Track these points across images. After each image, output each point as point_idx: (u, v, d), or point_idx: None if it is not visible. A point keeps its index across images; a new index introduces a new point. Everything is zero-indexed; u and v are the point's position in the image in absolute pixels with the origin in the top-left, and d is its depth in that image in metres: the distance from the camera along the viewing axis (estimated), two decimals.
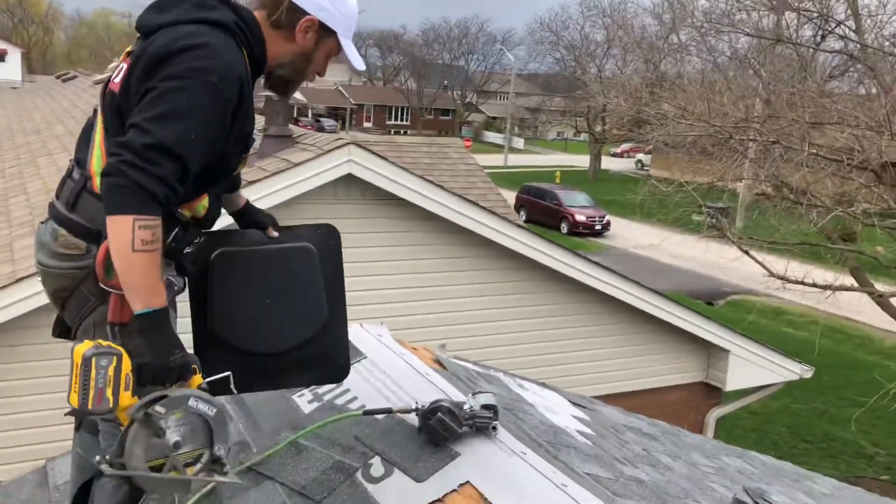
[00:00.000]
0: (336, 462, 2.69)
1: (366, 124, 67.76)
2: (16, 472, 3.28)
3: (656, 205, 14.53)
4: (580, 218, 31.45)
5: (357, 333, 3.54)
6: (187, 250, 2.08)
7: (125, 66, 2.04)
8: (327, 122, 58.03)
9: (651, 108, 15.11)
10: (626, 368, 8.27)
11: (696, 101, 13.81)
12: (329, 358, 2.72)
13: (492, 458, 2.49)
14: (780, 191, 12.89)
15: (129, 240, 1.73)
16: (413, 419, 2.75)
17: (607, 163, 52.75)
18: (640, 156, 54.20)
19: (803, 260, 13.26)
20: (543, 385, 4.14)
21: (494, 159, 48.86)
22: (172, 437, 1.76)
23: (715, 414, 8.76)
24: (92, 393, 1.65)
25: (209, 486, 2.18)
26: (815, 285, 11.34)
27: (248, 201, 2.58)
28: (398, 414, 2.79)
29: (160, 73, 1.88)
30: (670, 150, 18.72)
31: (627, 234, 30.73)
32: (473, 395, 2.73)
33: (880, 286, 12.88)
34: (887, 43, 14.04)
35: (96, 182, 1.93)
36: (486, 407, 2.63)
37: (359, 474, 2.59)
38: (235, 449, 2.70)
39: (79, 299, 2.03)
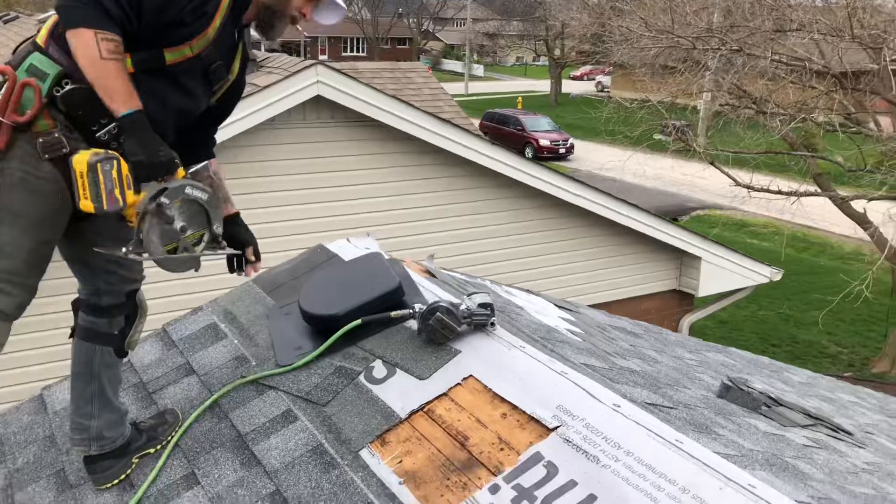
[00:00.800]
0: (337, 368, 2.73)
1: (321, 57, 66.24)
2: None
3: (621, 122, 14.56)
4: (544, 142, 31.42)
5: (343, 247, 3.54)
6: (103, 129, 2.01)
7: None
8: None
9: (614, 22, 14.96)
10: (601, 280, 8.40)
11: (659, 14, 13.71)
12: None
13: (492, 352, 2.54)
14: (741, 101, 12.98)
15: (95, 50, 1.88)
16: (410, 324, 2.79)
17: (568, 86, 52.45)
18: (600, 77, 53.92)
19: (767, 172, 13.46)
20: (529, 291, 4.20)
21: (455, 87, 48.24)
22: (179, 222, 2.01)
23: (688, 320, 8.99)
24: (104, 195, 1.84)
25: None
26: (780, 192, 11.56)
27: (237, 214, 2.61)
28: (396, 319, 2.82)
29: None
30: (632, 69, 18.65)
31: (591, 156, 30.83)
32: (468, 295, 2.76)
33: (842, 191, 13.15)
34: None
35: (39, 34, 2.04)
36: (482, 305, 2.67)
37: (361, 377, 2.63)
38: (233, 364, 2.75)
39: None
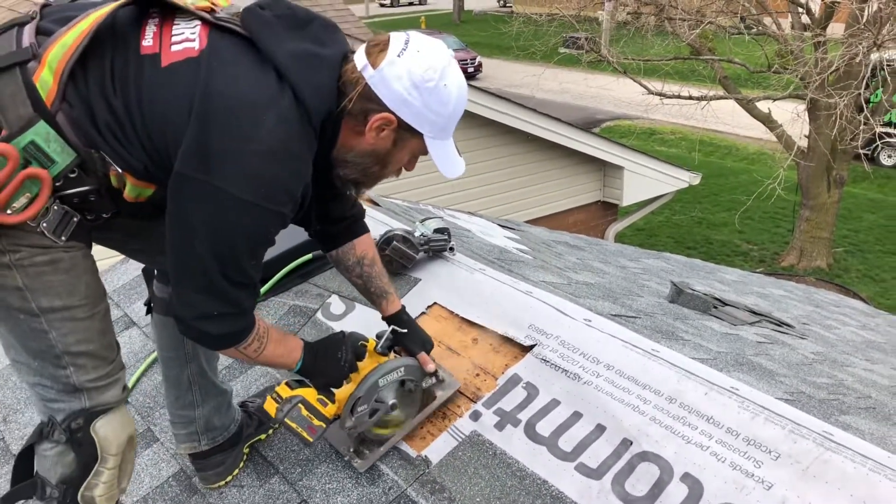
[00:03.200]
0: (291, 307, 2.61)
1: None
2: None
3: (531, 37, 14.44)
4: None
5: None
6: (90, 218, 1.56)
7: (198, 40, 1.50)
8: None
9: None
10: (529, 197, 8.39)
11: None
12: None
13: (454, 277, 2.46)
14: (647, 7, 13.02)
15: (246, 357, 1.68)
16: None
17: (470, 3, 51.57)
18: None
19: (676, 79, 13.63)
20: (471, 213, 4.14)
21: (355, 10, 46.71)
22: (389, 400, 1.91)
23: (613, 230, 9.15)
24: (305, 434, 1.80)
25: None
26: (690, 97, 11.76)
27: (402, 308, 2.05)
28: None
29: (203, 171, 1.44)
30: None
31: (499, 73, 30.62)
32: (421, 221, 2.67)
33: (747, 92, 13.49)
34: None
35: (39, 74, 1.44)
36: (438, 231, 2.58)
37: (319, 314, 2.53)
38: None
39: None
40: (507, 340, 2.17)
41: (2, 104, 1.41)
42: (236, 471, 2.06)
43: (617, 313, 2.49)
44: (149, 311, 2.03)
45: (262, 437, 2.14)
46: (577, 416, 1.88)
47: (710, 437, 1.70)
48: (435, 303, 2.39)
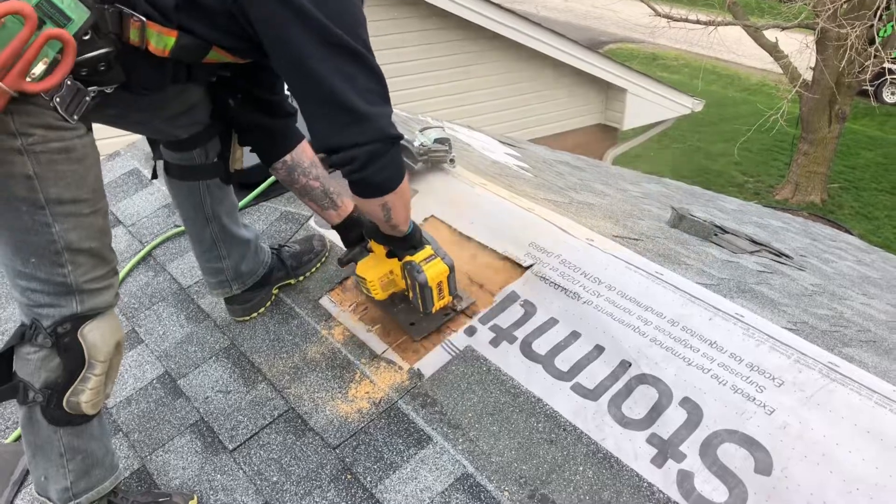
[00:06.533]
0: (283, 213, 2.53)
1: None
2: None
3: None
4: None
5: None
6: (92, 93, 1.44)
7: None
8: None
9: None
10: (528, 116, 8.18)
11: None
12: None
13: (452, 191, 2.38)
14: None
15: (403, 205, 1.72)
16: None
17: None
18: None
19: (682, 5, 13.24)
20: (470, 128, 4.01)
21: None
22: None
23: (612, 153, 9.00)
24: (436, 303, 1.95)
25: None
26: (698, 22, 11.44)
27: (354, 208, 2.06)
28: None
29: None
30: None
31: None
32: (421, 130, 2.56)
33: (755, 20, 13.12)
34: None
35: None
36: (439, 141, 2.47)
37: (311, 222, 2.45)
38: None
39: None
40: (506, 257, 2.10)
41: None
42: (262, 308, 2.20)
43: (619, 234, 2.42)
44: (154, 176, 1.98)
45: (292, 281, 2.25)
46: (575, 335, 1.83)
47: (712, 360, 1.66)
48: (432, 215, 2.31)
